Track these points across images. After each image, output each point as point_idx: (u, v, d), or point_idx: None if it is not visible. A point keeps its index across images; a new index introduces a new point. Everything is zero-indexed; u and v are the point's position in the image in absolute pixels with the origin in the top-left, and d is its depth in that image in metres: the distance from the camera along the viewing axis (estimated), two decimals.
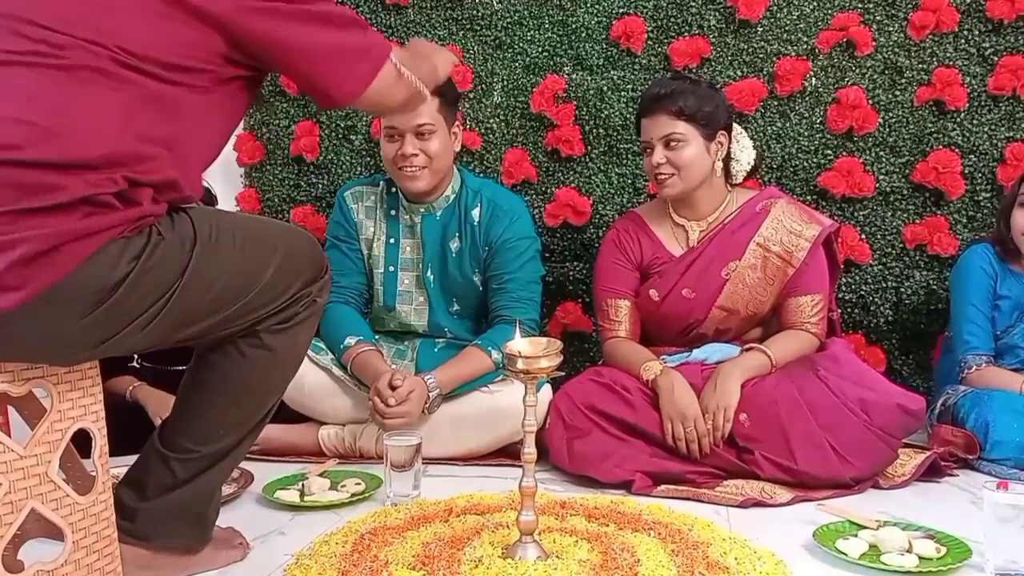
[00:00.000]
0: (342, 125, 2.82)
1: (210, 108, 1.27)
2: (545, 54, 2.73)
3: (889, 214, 2.62)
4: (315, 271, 1.40)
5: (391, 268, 2.33)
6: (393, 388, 2.04)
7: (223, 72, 1.26)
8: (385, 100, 1.41)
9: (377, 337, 2.29)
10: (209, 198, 2.35)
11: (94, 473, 1.23)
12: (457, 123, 2.27)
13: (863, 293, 2.63)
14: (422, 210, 2.29)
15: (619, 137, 2.68)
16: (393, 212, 2.33)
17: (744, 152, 2.19)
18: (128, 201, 1.14)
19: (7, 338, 1.10)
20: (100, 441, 1.23)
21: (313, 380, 2.18)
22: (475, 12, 2.75)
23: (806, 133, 2.63)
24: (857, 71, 2.61)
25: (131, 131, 1.16)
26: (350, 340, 2.18)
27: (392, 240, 2.33)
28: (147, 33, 1.18)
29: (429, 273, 2.30)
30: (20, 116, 1.10)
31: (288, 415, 2.18)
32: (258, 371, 1.37)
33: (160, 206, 1.20)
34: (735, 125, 2.20)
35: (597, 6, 2.69)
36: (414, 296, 2.34)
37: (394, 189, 2.33)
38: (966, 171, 2.57)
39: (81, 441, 1.23)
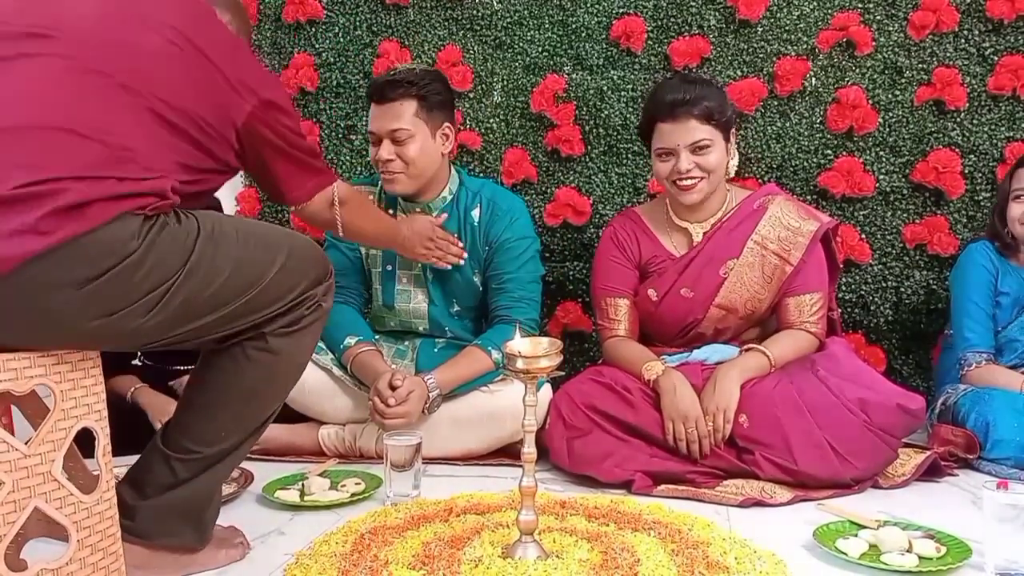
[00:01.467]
0: (342, 125, 2.82)
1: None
2: (545, 54, 2.73)
3: (889, 214, 2.62)
4: (320, 273, 1.43)
5: (388, 267, 2.33)
6: (393, 388, 2.04)
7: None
8: (315, 217, 1.66)
9: (377, 337, 2.29)
10: (215, 204, 2.35)
11: (97, 472, 1.23)
12: (447, 125, 2.23)
13: (863, 293, 2.63)
14: (418, 211, 2.29)
15: (619, 137, 2.68)
16: (391, 212, 2.33)
17: (737, 149, 2.19)
18: (151, 182, 1.23)
19: (15, 291, 1.12)
20: (103, 440, 1.23)
21: (313, 380, 2.18)
22: (475, 12, 2.75)
23: (806, 133, 2.63)
24: (857, 71, 2.61)
25: (162, 142, 1.29)
26: (350, 340, 2.18)
27: None
28: (183, 90, 1.32)
29: (428, 273, 2.30)
30: (82, 104, 1.22)
31: (288, 415, 2.18)
32: (262, 374, 1.39)
33: (176, 196, 1.27)
34: None
35: (597, 6, 2.70)
36: (413, 295, 2.34)
37: None
38: (966, 171, 2.57)
39: (83, 441, 1.23)
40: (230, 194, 2.87)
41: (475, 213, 2.28)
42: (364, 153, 2.80)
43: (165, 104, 1.28)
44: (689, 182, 2.07)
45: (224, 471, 1.45)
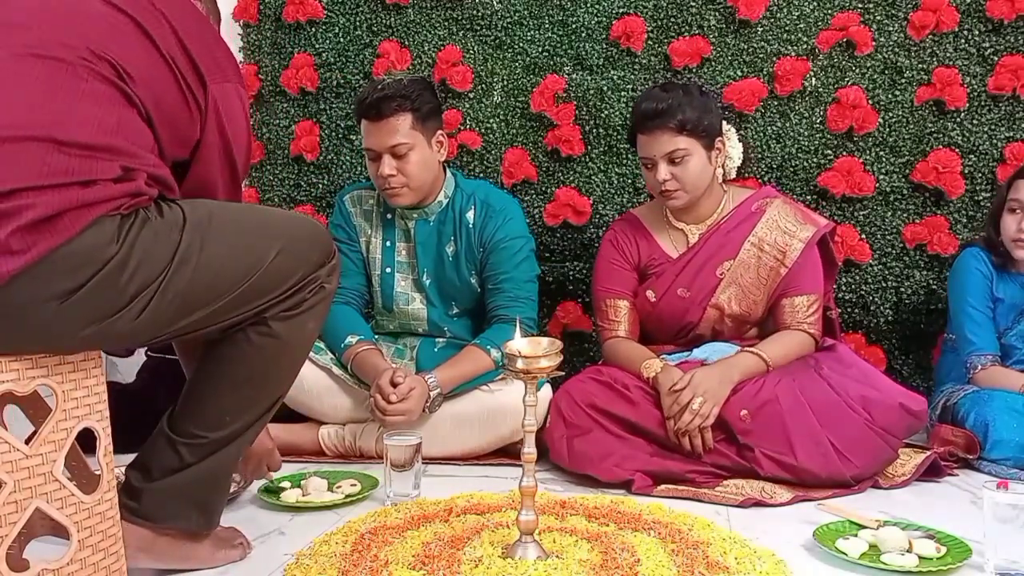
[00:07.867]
0: (342, 125, 2.82)
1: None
2: (545, 54, 2.73)
3: (889, 214, 2.62)
4: (322, 255, 1.40)
5: (388, 270, 2.33)
6: (394, 385, 2.04)
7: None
8: None
9: (377, 337, 2.29)
10: None
11: (99, 472, 1.23)
12: (440, 132, 2.24)
13: (863, 293, 2.63)
14: (415, 215, 2.29)
15: (619, 137, 2.68)
16: (389, 216, 2.34)
17: (735, 149, 2.19)
18: (123, 180, 1.19)
19: (3, 310, 1.10)
20: (104, 440, 1.23)
21: (313, 379, 2.18)
22: (475, 12, 2.75)
23: (806, 133, 2.63)
24: (857, 71, 2.61)
25: (124, 128, 1.21)
26: (351, 339, 2.19)
27: (388, 243, 2.34)
28: (141, 65, 1.25)
29: (425, 277, 2.31)
30: (29, 100, 1.15)
31: (288, 415, 2.18)
32: (265, 359, 1.37)
33: (152, 189, 1.23)
34: (724, 123, 2.19)
35: (597, 6, 2.70)
36: (411, 297, 2.34)
37: None
38: (966, 171, 2.57)
39: (85, 439, 1.23)
40: None
41: (470, 215, 2.29)
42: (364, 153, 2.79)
43: (116, 71, 1.21)
44: (668, 191, 2.09)
45: (232, 454, 1.42)
